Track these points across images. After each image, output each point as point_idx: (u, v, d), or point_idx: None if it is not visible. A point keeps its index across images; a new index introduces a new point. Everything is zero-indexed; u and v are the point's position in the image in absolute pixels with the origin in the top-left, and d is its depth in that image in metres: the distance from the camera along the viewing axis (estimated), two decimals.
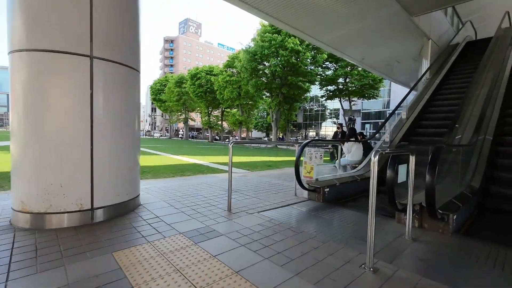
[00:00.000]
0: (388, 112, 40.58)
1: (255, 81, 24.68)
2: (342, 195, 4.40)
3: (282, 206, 3.69)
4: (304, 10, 7.14)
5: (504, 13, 10.34)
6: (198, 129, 73.35)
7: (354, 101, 29.17)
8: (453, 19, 11.38)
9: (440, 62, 8.81)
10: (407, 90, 22.74)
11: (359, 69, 25.27)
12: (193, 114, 55.07)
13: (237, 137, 36.12)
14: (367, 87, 25.49)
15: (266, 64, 24.36)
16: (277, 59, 22.20)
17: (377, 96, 26.82)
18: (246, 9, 7.13)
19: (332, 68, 27.38)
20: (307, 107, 56.11)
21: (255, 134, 62.37)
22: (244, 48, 24.48)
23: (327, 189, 4.05)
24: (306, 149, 4.00)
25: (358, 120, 44.17)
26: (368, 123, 45.52)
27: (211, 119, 40.02)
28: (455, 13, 11.61)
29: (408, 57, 10.62)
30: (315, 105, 55.39)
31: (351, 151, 5.86)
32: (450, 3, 7.21)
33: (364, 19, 7.59)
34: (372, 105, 44.83)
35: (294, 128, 52.70)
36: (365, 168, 5.30)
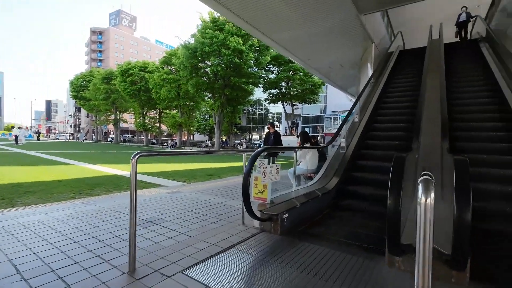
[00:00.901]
0: (325, 116, 43.25)
1: (196, 80, 22.85)
2: (303, 219, 3.37)
3: (223, 251, 2.42)
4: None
5: (430, 27, 11.24)
6: (132, 132, 66.37)
7: (296, 105, 29.87)
8: (388, 29, 11.96)
9: (381, 67, 8.87)
10: (343, 95, 24.08)
11: (300, 74, 25.91)
12: (126, 116, 49.23)
13: (176, 140, 33.27)
14: (308, 92, 26.26)
15: (208, 62, 22.80)
16: (219, 58, 20.89)
17: (317, 101, 27.95)
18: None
19: (275, 71, 27.45)
20: (251, 110, 56.25)
21: (197, 137, 59.46)
22: (183, 44, 22.42)
23: (286, 215, 2.95)
24: (258, 160, 2.84)
25: (299, 124, 46.02)
26: (307, 126, 47.82)
27: (146, 121, 36.06)
28: (389, 24, 12.25)
29: (350, 61, 10.63)
30: (259, 108, 55.89)
31: (307, 156, 4.97)
32: (398, 3, 7.11)
33: (316, 16, 6.99)
34: (311, 110, 47.29)
35: (238, 131, 52.04)
36: (322, 180, 4.44)
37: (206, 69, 23.15)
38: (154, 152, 2.09)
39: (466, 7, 9.68)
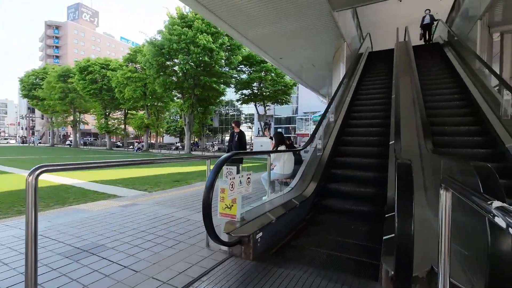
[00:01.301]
0: (297, 117, 43.78)
1: (163, 79, 21.59)
2: (280, 235, 2.89)
3: None
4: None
5: (396, 29, 11.51)
6: (95, 135, 61.79)
7: (268, 106, 29.70)
8: (357, 30, 12.06)
9: (353, 67, 8.80)
10: (314, 97, 24.33)
11: (272, 74, 25.77)
12: (89, 117, 45.57)
13: (143, 143, 31.34)
14: (280, 93, 26.19)
15: (176, 61, 21.66)
16: (188, 56, 19.90)
17: (289, 101, 28.02)
18: None
19: (247, 72, 27.00)
20: (223, 111, 55.38)
21: (167, 139, 57.04)
22: (148, 40, 21.05)
23: (260, 234, 2.44)
24: (225, 168, 2.30)
25: (272, 125, 46.11)
26: (280, 127, 48.10)
27: (110, 123, 33.53)
28: (358, 25, 12.38)
29: (322, 61, 10.49)
30: (231, 109, 55.19)
31: (281, 160, 4.52)
32: (370, 0, 6.98)
33: (289, 11, 6.63)
34: (283, 111, 47.65)
35: (210, 133, 50.84)
36: (299, 186, 4.00)
37: (174, 68, 21.99)
38: (67, 166, 1.44)
39: (429, 10, 10.01)
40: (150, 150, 30.00)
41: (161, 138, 56.43)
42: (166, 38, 19.66)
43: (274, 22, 7.32)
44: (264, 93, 26.81)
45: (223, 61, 21.95)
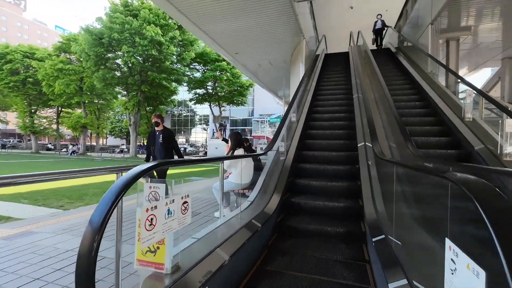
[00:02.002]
0: (253, 119, 43.63)
1: (103, 73, 18.98)
2: (237, 277, 2.02)
3: None
4: None
5: (350, 33, 11.70)
6: (20, 135, 52.79)
7: (223, 107, 28.68)
8: (315, 31, 11.95)
9: (312, 66, 8.48)
10: (270, 98, 24.15)
11: (228, 74, 24.89)
12: (11, 115, 38.39)
13: (79, 145, 27.40)
14: (236, 93, 25.43)
15: (120, 53, 19.27)
16: (134, 48, 17.82)
17: (245, 103, 27.43)
18: None
19: (201, 70, 25.62)
20: (176, 112, 52.48)
21: (111, 141, 51.65)
22: (84, 27, 18.29)
23: None
24: (146, 187, 1.36)
25: (227, 127, 45.13)
26: (236, 129, 47.38)
27: (36, 121, 28.57)
28: (315, 27, 12.30)
29: (281, 58, 10.01)
30: (185, 110, 52.62)
31: (238, 166, 3.66)
32: None
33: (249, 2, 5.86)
34: (239, 113, 47.13)
35: None
36: (260, 199, 3.20)
37: (117, 61, 19.55)
38: None
39: (381, 15, 10.30)
40: (88, 154, 26.32)
41: (104, 140, 50.84)
42: (107, 27, 17.29)
43: (232, 13, 6.53)
44: (219, 93, 25.74)
45: (174, 57, 20.31)
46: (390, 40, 11.79)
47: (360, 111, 5.21)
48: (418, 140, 4.20)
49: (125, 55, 17.99)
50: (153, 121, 4.57)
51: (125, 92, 23.10)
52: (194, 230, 3.08)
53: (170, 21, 18.79)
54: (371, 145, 3.95)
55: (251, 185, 3.70)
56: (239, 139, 3.78)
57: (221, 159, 2.56)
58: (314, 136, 5.04)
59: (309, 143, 4.80)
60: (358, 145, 4.18)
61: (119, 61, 19.78)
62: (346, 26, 12.96)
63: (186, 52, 20.60)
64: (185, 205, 1.52)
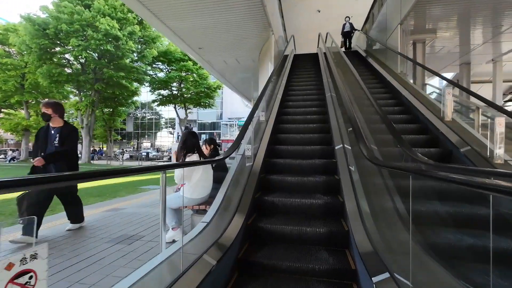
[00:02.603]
0: (221, 123, 42.63)
1: (48, 69, 16.70)
2: None
3: None
4: None
5: (318, 34, 11.51)
6: None
7: (190, 109, 27.32)
8: (284, 31, 11.57)
9: (281, 65, 7.98)
10: (239, 101, 23.49)
11: (194, 75, 23.74)
12: None
13: (20, 150, 23.99)
14: (203, 95, 24.32)
15: (71, 47, 17.17)
16: (85, 42, 15.96)
17: (213, 105, 26.40)
18: None
19: (164, 70, 24.10)
20: (140, 114, 49.41)
21: None
22: (25, 16, 15.97)
23: None
24: None
25: (195, 130, 43.39)
26: (204, 133, 45.87)
27: None
28: (284, 26, 11.93)
29: (248, 55, 9.38)
30: (149, 112, 49.77)
31: (193, 178, 2.86)
32: None
33: None
34: (207, 116, 45.80)
35: (122, 139, 44.40)
36: (219, 217, 2.42)
37: (65, 55, 17.41)
38: None
39: (349, 17, 10.22)
40: (31, 160, 23.11)
41: None
42: (53, 16, 15.25)
43: (195, 4, 5.75)
44: (185, 95, 24.41)
45: (134, 54, 18.70)
46: (357, 43, 11.84)
47: (335, 110, 4.74)
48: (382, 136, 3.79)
49: (75, 49, 16.00)
50: (42, 111, 3.00)
51: (77, 91, 20.71)
52: (127, 266, 2.22)
53: (129, 15, 17.28)
54: (350, 147, 3.43)
55: (211, 198, 2.92)
56: (193, 142, 2.97)
57: (164, 167, 1.74)
58: (284, 141, 4.40)
59: (280, 148, 4.15)
60: (336, 147, 3.64)
61: (69, 56, 17.63)
62: (314, 30, 12.84)
63: (148, 50, 19.09)
64: (23, 279, 0.71)
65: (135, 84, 22.33)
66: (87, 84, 18.18)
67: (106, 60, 17.91)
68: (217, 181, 3.26)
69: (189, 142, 2.93)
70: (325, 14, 13.94)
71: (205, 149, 3.63)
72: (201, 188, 2.90)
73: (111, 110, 26.13)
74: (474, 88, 10.08)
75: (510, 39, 8.03)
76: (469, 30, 7.83)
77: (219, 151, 4.51)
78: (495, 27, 7.45)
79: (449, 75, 12.18)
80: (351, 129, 3.15)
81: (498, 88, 9.77)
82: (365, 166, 2.73)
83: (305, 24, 13.79)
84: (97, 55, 17.65)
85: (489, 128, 3.09)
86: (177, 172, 2.83)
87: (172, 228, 2.93)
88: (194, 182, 2.86)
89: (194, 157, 2.91)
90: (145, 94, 33.84)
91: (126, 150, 30.37)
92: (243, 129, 2.99)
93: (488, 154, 3.04)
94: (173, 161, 3.36)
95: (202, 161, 2.89)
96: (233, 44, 8.36)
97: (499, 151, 2.97)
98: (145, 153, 26.56)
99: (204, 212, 2.98)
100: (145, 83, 22.84)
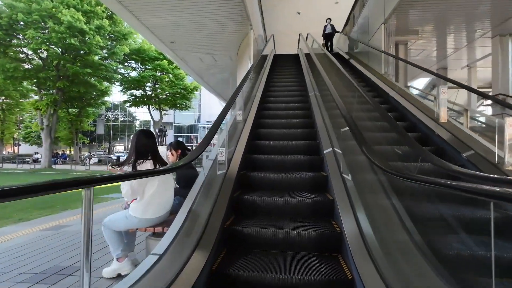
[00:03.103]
0: (199, 126, 41.48)
1: (2, 63, 14.91)
2: None
3: None
4: None
5: (299, 35, 11.20)
6: None
7: (165, 110, 26.03)
8: (264, 31, 11.13)
9: (261, 63, 7.46)
10: (217, 103, 22.73)
11: (170, 75, 22.64)
12: None
13: None
14: (179, 97, 23.24)
15: (29, 40, 15.48)
16: (46, 33, 14.45)
17: (189, 107, 25.35)
18: None
19: (138, 69, 22.75)
20: (112, 116, 46.69)
21: (26, 148, 42.77)
22: None
23: None
24: None
25: (171, 133, 41.65)
26: (181, 136, 44.25)
27: None
28: (263, 26, 11.49)
29: (225, 53, 8.76)
30: (123, 114, 47.17)
31: (147, 193, 2.15)
32: None
33: None
34: (184, 119, 44.32)
35: (91, 142, 41.67)
36: (176, 250, 1.74)
37: (23, 48, 15.68)
38: None
39: (330, 19, 9.97)
40: None
41: (14, 148, 41.80)
42: (6, 4, 13.64)
43: None
44: (160, 96, 23.19)
45: (101, 49, 17.29)
46: (337, 45, 11.67)
47: (321, 111, 4.26)
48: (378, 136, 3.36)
49: (33, 41, 14.41)
50: None
51: (37, 89, 18.78)
52: None
53: (98, 8, 15.98)
54: (340, 151, 2.92)
55: (174, 215, 2.22)
56: (147, 144, 2.27)
57: (88, 182, 1.05)
58: (263, 150, 3.80)
59: (258, 158, 3.55)
60: (325, 151, 3.11)
61: (26, 48, 15.90)
62: (294, 32, 12.57)
63: (118, 46, 17.80)
64: None
65: (106, 84, 20.81)
66: (48, 82, 16.50)
67: (71, 56, 16.41)
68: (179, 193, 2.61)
69: (140, 144, 2.23)
70: (305, 16, 13.75)
71: (171, 155, 2.95)
72: (157, 206, 2.21)
73: (78, 110, 24.17)
74: (450, 92, 10.24)
75: (483, 45, 8.17)
76: (445, 35, 7.87)
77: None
78: (470, 33, 7.52)
79: (426, 80, 12.40)
80: (345, 129, 2.64)
81: (473, 94, 9.98)
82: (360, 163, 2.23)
83: (285, 27, 13.51)
84: (61, 50, 16.11)
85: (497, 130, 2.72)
86: (124, 185, 2.13)
87: (117, 259, 2.20)
88: (147, 198, 2.17)
89: (147, 164, 2.21)
90: (118, 95, 31.88)
91: (94, 154, 28.21)
92: (213, 128, 2.35)
93: (496, 160, 2.66)
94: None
95: (159, 170, 2.18)
96: (209, 39, 7.71)
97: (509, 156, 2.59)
98: (116, 157, 24.78)
99: (161, 235, 2.29)
100: (116, 82, 21.36)
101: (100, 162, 24.59)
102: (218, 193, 2.31)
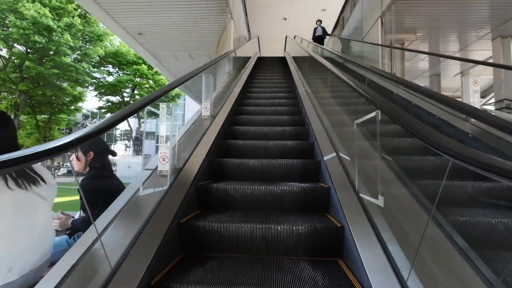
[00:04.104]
0: None
1: None
2: None
3: None
4: None
5: (285, 37, 10.50)
6: None
7: (143, 119, 24.50)
8: (248, 31, 10.32)
9: (242, 63, 6.55)
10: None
11: (150, 81, 21.39)
12: None
13: None
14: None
15: None
16: (5, 30, 12.97)
17: (171, 115, 23.98)
18: None
19: (115, 73, 21.34)
20: (90, 124, 44.25)
21: None
22: None
23: None
24: None
25: (152, 143, 39.68)
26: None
27: None
28: (248, 26, 10.69)
29: (203, 49, 7.77)
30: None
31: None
32: None
33: None
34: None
35: None
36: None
37: None
38: None
39: (320, 21, 9.28)
40: None
41: None
42: None
43: None
44: None
45: (77, 52, 15.92)
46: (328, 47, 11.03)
47: (315, 109, 3.30)
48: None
49: None
50: None
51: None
52: None
53: (69, 6, 14.74)
54: (349, 159, 1.91)
55: (41, 266, 1.07)
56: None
57: None
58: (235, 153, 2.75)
59: (228, 168, 2.47)
60: (325, 157, 2.08)
61: None
62: (280, 39, 11.92)
63: (92, 48, 16.47)
64: None
65: (80, 89, 19.20)
66: (8, 83, 14.81)
67: (38, 56, 14.90)
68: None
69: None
70: (291, 22, 13.20)
71: (75, 161, 1.80)
72: (15, 257, 1.06)
73: (47, 117, 22.21)
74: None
75: (478, 48, 7.68)
76: (438, 40, 7.38)
77: (114, 166, 2.60)
78: (470, 32, 6.99)
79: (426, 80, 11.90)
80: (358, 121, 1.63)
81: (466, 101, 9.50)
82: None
83: (271, 33, 12.86)
84: (24, 48, 14.60)
85: None
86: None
87: None
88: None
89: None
90: (96, 102, 29.96)
91: (63, 165, 25.94)
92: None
93: None
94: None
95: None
96: (182, 33, 6.71)
97: None
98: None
99: None
100: (89, 86, 19.83)
101: (69, 173, 22.50)
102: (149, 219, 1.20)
